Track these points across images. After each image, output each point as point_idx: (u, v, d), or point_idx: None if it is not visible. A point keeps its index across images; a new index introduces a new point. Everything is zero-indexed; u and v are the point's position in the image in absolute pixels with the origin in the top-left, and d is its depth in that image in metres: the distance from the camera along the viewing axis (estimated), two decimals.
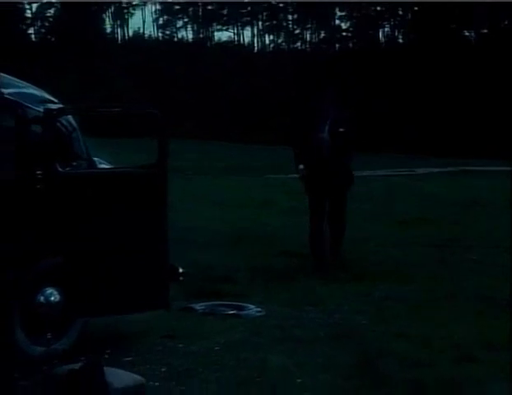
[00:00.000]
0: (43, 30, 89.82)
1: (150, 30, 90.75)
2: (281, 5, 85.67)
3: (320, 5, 78.63)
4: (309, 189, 12.04)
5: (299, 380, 7.10)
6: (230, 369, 7.42)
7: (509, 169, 36.78)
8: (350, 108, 12.72)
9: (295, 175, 12.54)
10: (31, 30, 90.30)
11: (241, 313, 9.60)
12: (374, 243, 13.49)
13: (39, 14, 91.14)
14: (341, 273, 11.35)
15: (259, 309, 9.69)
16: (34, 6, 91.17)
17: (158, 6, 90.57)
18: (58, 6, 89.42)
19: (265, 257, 12.75)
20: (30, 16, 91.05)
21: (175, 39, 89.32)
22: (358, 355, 7.71)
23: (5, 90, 7.78)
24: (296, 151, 12.18)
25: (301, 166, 11.93)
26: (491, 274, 11.71)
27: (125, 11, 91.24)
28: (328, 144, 11.78)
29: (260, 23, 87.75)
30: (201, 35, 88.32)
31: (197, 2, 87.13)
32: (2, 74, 7.67)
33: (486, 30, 72.09)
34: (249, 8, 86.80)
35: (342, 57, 67.05)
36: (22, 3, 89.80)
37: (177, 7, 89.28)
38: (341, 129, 11.80)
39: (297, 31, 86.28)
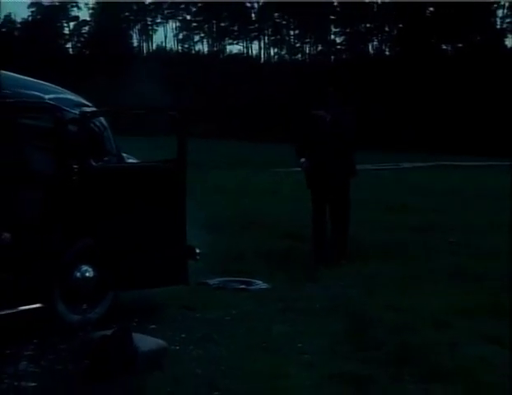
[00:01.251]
0: (78, 45, 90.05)
1: (171, 44, 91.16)
2: (284, 22, 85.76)
3: (317, 22, 78.92)
4: (310, 184, 11.10)
5: (299, 345, 7.11)
6: (240, 335, 7.45)
7: (480, 163, 36.81)
8: (349, 109, 11.38)
9: (297, 169, 12.34)
10: (69, 45, 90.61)
11: (250, 287, 9.63)
12: (364, 228, 13.43)
13: (76, 31, 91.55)
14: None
15: (265, 285, 9.72)
16: (72, 24, 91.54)
17: (178, 24, 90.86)
18: (92, 24, 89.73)
19: (270, 240, 12.72)
20: (67, 32, 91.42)
21: (193, 51, 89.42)
22: (351, 324, 7.72)
23: (46, 96, 7.81)
24: (297, 147, 11.25)
25: (303, 159, 10.97)
26: (466, 254, 11.71)
27: (150, 27, 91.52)
28: (327, 143, 10.70)
29: (266, 38, 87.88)
30: (215, 48, 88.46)
31: (212, 20, 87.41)
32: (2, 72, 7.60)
33: (460, 45, 72.03)
34: (257, 25, 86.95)
35: (341, 66, 66.78)
36: (61, 22, 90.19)
37: (194, 24, 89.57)
38: (340, 129, 10.76)
39: (298, 45, 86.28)
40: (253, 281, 9.87)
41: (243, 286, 9.63)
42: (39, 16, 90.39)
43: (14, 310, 7.24)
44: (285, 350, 6.97)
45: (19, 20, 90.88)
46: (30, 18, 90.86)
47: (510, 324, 6.99)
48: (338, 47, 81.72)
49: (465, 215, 16.24)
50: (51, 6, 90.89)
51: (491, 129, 54.35)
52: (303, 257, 10.95)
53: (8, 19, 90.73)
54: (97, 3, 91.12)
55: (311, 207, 11.25)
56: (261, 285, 9.72)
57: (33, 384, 6.20)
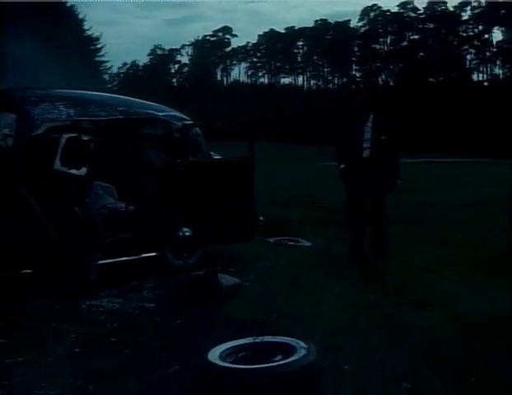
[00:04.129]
0: (181, 80, 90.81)
1: (243, 78, 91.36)
2: (320, 62, 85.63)
3: (343, 62, 78.99)
4: (348, 189, 8.00)
5: (331, 283, 7.05)
6: (291, 277, 7.41)
7: (458, 160, 36.01)
8: (389, 118, 8.36)
9: (329, 163, 11.92)
10: (174, 80, 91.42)
11: (297, 244, 9.56)
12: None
13: (179, 70, 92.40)
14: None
15: (308, 243, 9.63)
16: (176, 66, 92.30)
17: (248, 64, 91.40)
18: (190, 66, 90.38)
19: (311, 211, 12.66)
20: (173, 72, 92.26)
21: (258, 83, 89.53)
22: (364, 270, 7.64)
23: (159, 113, 7.86)
24: (338, 153, 8.09)
25: (342, 166, 7.93)
26: (447, 223, 11.50)
27: (228, 67, 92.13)
28: (370, 148, 7.78)
29: (308, 73, 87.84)
30: (273, 80, 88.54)
31: (271, 61, 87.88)
32: None
33: (441, 78, 71.35)
34: (301, 64, 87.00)
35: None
36: (169, 64, 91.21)
37: (259, 64, 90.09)
38: (382, 137, 7.77)
39: (329, 78, 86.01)
40: (300, 239, 9.78)
41: (292, 243, 9.57)
42: (154, 61, 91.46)
43: (138, 257, 7.33)
44: (321, 287, 6.93)
45: (141, 64, 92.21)
46: (148, 63, 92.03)
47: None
48: (357, 79, 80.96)
49: (447, 196, 15.96)
50: (163, 55, 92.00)
51: (464, 135, 53.60)
52: (334, 224, 10.84)
53: (135, 63, 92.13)
54: (193, 51, 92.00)
55: (347, 210, 8.28)
56: (305, 242, 9.64)
57: (152, 305, 6.31)
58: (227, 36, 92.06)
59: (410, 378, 4.51)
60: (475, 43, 75.35)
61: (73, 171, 6.71)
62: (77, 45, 35.62)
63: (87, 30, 44.80)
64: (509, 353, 4.87)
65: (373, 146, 7.81)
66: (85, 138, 6.85)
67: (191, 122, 8.17)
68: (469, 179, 21.01)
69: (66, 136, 6.72)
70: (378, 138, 7.79)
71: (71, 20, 37.54)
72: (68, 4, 38.21)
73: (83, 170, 6.78)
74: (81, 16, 42.17)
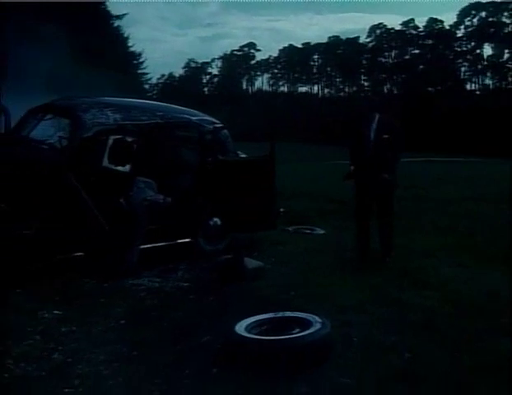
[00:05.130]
0: (211, 89, 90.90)
1: (265, 87, 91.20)
2: (333, 73, 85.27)
3: (352, 73, 78.54)
4: (357, 189, 7.29)
5: (340, 267, 7.03)
6: (306, 261, 7.39)
7: (456, 159, 35.54)
8: (394, 120, 7.66)
9: (340, 162, 11.76)
10: (205, 89, 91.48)
11: (313, 232, 9.48)
12: None
13: (210, 80, 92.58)
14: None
15: (322, 231, 9.54)
16: (207, 76, 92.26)
17: (270, 75, 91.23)
18: (220, 76, 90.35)
19: (324, 204, 12.58)
20: (205, 82, 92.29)
21: (278, 91, 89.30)
22: (367, 253, 7.55)
23: (193, 118, 7.86)
24: (350, 154, 7.36)
25: (353, 167, 7.22)
26: (446, 216, 11.29)
27: (253, 77, 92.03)
28: (373, 147, 7.04)
29: (322, 82, 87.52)
30: (291, 89, 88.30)
31: (290, 72, 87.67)
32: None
33: (439, 88, 70.85)
34: (316, 75, 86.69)
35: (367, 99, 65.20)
36: (201, 75, 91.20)
37: (279, 75, 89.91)
38: (385, 136, 7.00)
39: (341, 87, 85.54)
40: (315, 228, 9.70)
41: (308, 231, 9.50)
42: (188, 73, 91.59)
43: (174, 242, 7.36)
44: (333, 270, 6.89)
45: (177, 75, 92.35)
46: (183, 74, 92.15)
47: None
48: (366, 88, 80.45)
49: (442, 191, 15.75)
50: (196, 67, 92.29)
51: (459, 137, 53.06)
52: (345, 215, 10.74)
53: (171, 75, 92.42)
54: (222, 64, 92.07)
55: (355, 207, 7.55)
56: (319, 231, 9.55)
57: (186, 284, 6.32)
58: (252, 51, 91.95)
59: (411, 349, 4.50)
60: (468, 57, 75.90)
61: (119, 168, 6.75)
62: (123, 60, 35.90)
63: (131, 46, 45.12)
64: (501, 329, 4.82)
65: (375, 146, 7.08)
66: (129, 139, 6.90)
67: (221, 125, 8.17)
68: (466, 177, 20.70)
69: (112, 137, 6.78)
70: (380, 138, 7.05)
71: (117, 39, 37.87)
72: (115, 24, 38.59)
73: (127, 167, 6.82)
74: (125, 35, 42.51)
